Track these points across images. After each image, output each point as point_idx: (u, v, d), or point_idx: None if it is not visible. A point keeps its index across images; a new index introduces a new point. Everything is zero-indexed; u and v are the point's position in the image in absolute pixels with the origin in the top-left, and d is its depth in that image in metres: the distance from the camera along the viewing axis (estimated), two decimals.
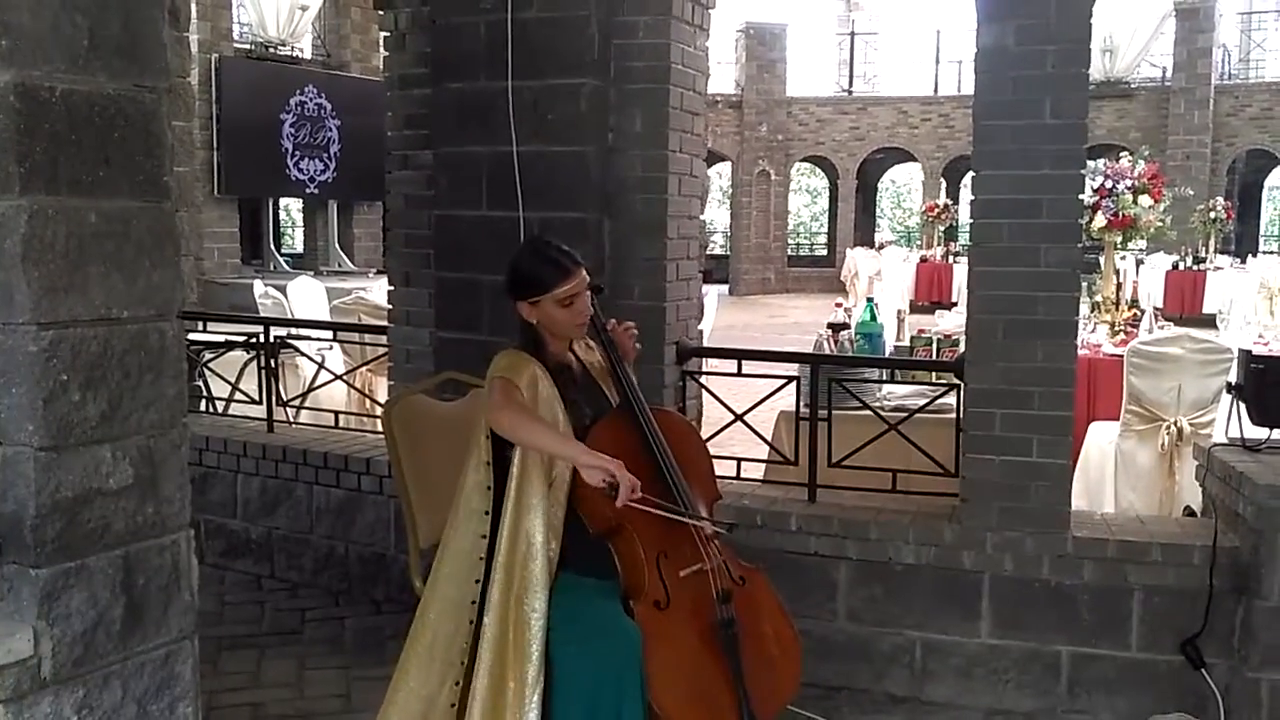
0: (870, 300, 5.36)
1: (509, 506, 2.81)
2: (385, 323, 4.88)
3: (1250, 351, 4.13)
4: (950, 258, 19.18)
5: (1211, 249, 18.53)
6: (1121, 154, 7.11)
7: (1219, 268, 16.97)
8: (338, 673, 3.97)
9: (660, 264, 4.12)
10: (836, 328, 4.76)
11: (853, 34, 26.07)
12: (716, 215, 30.12)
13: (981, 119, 3.69)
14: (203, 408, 5.60)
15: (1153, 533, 3.79)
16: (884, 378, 4.63)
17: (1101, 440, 5.74)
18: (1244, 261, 18.11)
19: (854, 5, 26.50)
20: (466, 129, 4.15)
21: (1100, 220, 6.69)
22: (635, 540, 2.80)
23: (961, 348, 4.48)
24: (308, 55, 16.89)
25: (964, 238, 23.49)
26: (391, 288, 4.69)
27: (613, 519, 2.80)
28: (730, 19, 22.66)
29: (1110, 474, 5.66)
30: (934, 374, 4.73)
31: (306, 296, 8.41)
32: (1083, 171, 3.66)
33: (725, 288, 23.07)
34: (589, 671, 2.70)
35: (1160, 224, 6.90)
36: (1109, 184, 6.73)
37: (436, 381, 3.66)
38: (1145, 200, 6.73)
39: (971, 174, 3.75)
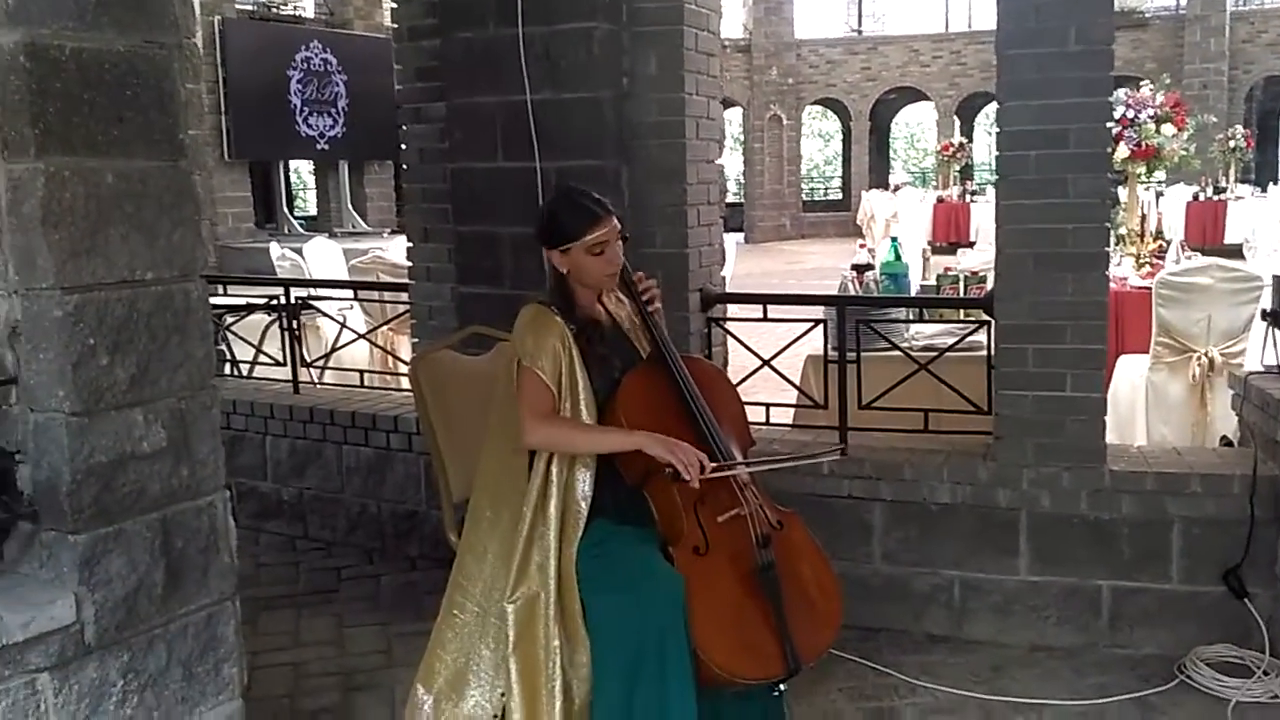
0: (894, 239, 5.30)
1: (540, 468, 2.80)
2: (405, 280, 4.84)
3: None
4: (967, 197, 19.00)
5: (1232, 178, 18.31)
6: (1142, 83, 6.98)
7: (1240, 197, 16.76)
8: (377, 629, 3.98)
9: (681, 210, 4.06)
10: (861, 269, 4.69)
11: None
12: (729, 162, 29.90)
13: (1004, 48, 3.61)
14: (227, 371, 5.59)
15: (1190, 464, 3.75)
16: (912, 318, 4.58)
17: (1131, 374, 5.69)
18: (1264, 190, 17.89)
19: None
20: (478, 79, 4.08)
21: (1123, 151, 6.59)
22: (671, 487, 2.78)
23: (989, 284, 4.43)
24: (310, 15, 16.76)
25: (980, 176, 23.29)
26: (410, 244, 4.65)
27: (649, 465, 2.78)
28: None
29: (1141, 408, 5.61)
30: (962, 312, 4.67)
31: (323, 257, 8.38)
32: (1109, 99, 3.58)
33: (740, 235, 22.97)
34: (632, 619, 2.68)
35: (1184, 153, 6.80)
36: (1131, 114, 6.62)
37: (462, 336, 3.63)
38: (1168, 129, 6.64)
39: (995, 105, 3.67)
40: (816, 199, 29.13)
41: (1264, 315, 3.95)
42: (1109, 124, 3.60)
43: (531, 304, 2.90)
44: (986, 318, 3.95)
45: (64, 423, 2.13)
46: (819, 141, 35.77)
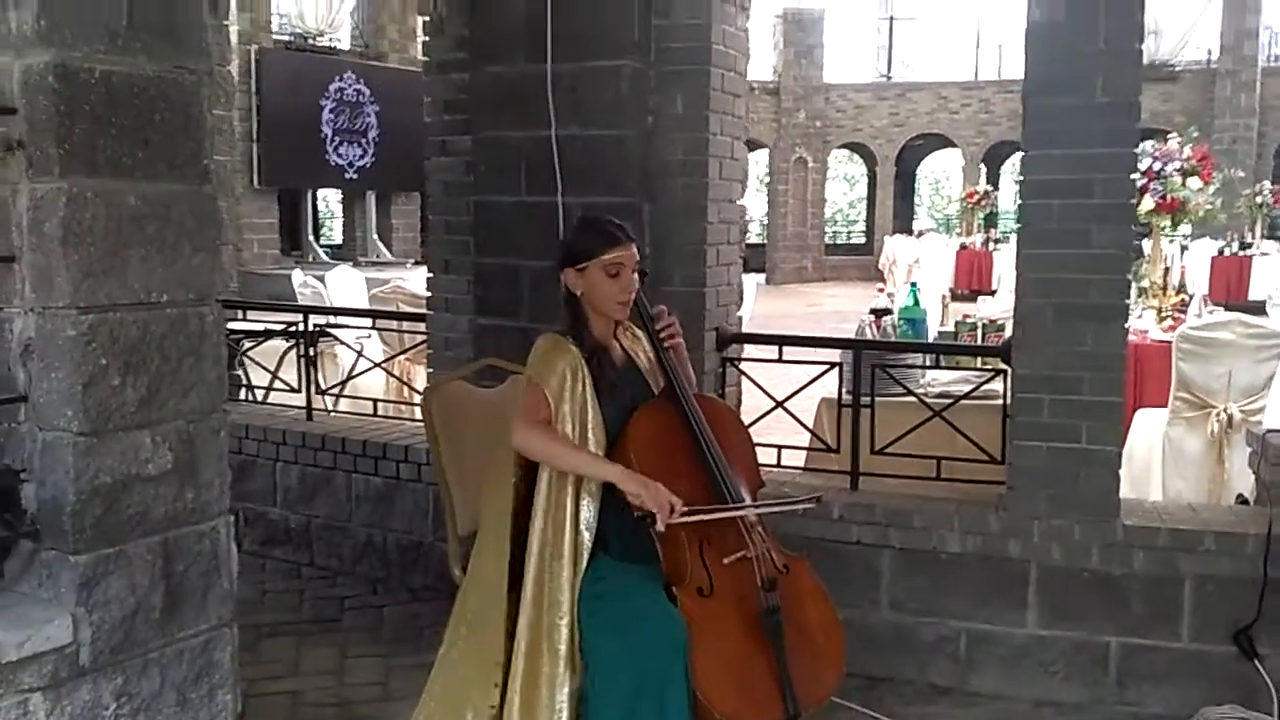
0: (913, 285, 5.29)
1: (543, 490, 2.79)
2: (424, 311, 4.86)
3: None
4: (990, 245, 18.95)
5: (1258, 234, 18.22)
6: (1170, 135, 6.97)
7: (1265, 253, 16.66)
8: (376, 660, 3.96)
9: (700, 249, 4.07)
10: (879, 313, 4.69)
11: (891, 19, 25.85)
12: (753, 203, 29.95)
13: (1031, 96, 3.61)
14: (242, 396, 5.61)
15: (1205, 520, 3.70)
16: (928, 363, 4.56)
17: (1149, 428, 5.64)
18: None
19: None
20: (505, 113, 4.12)
21: (1148, 203, 6.57)
22: (678, 527, 2.76)
23: (1008, 332, 4.40)
24: (345, 46, 16.96)
25: (1004, 224, 23.25)
26: (431, 275, 4.67)
27: None
28: (768, 4, 22.51)
29: (1158, 462, 5.56)
30: (980, 360, 4.65)
31: (345, 286, 8.42)
32: (1135, 150, 3.57)
33: (762, 277, 22.98)
34: (631, 659, 2.66)
35: (1210, 207, 6.77)
36: (1157, 166, 6.60)
37: (476, 368, 3.63)
38: (1194, 183, 6.61)
39: (1020, 154, 3.67)
40: (839, 242, 29.15)
41: None
42: (1134, 176, 3.57)
43: (549, 334, 2.91)
44: (1004, 366, 3.93)
45: (71, 442, 2.14)
46: (844, 185, 35.78)
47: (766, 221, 25.56)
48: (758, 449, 3.15)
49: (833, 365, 4.17)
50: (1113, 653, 3.69)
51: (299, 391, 5.21)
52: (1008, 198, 26.03)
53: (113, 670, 2.24)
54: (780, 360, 4.24)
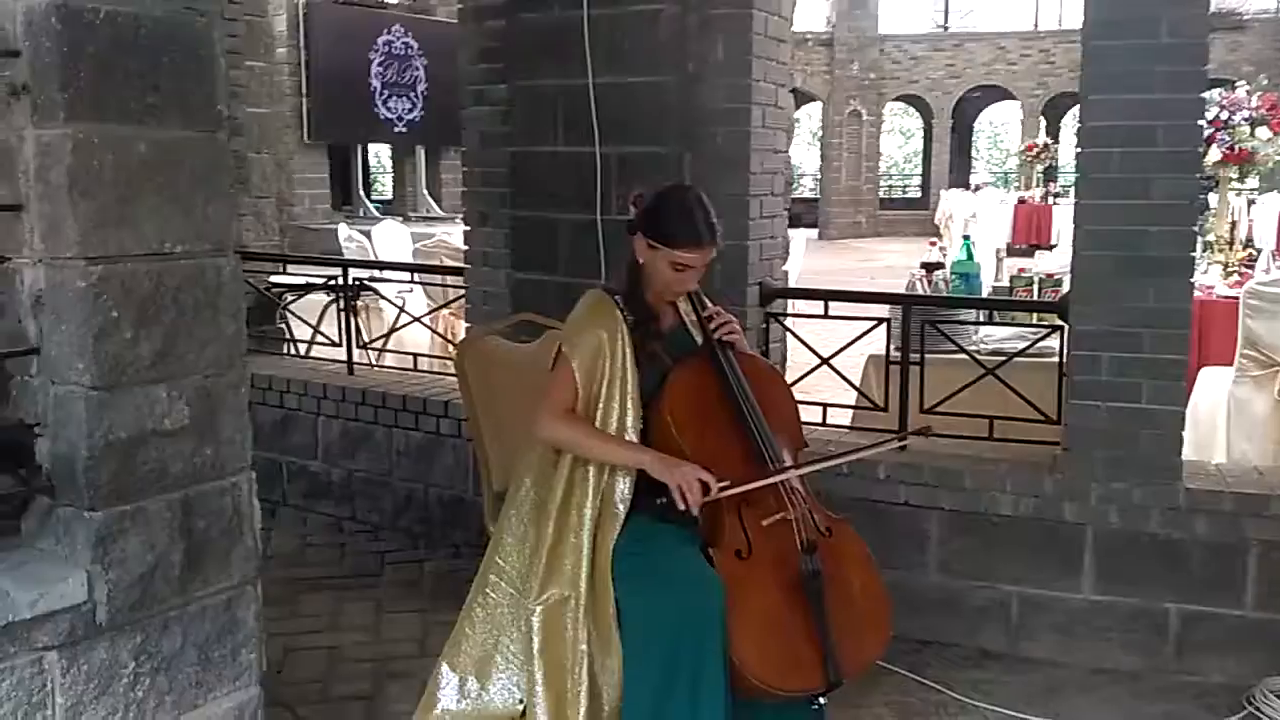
0: (967, 238, 5.11)
1: (567, 461, 2.73)
2: (463, 265, 4.78)
3: None
4: (1050, 199, 18.47)
5: None
6: (1238, 84, 6.68)
7: None
8: (415, 616, 3.92)
9: (743, 200, 3.93)
10: (931, 267, 4.53)
11: None
12: (806, 157, 29.57)
13: (1091, 39, 3.43)
14: (285, 350, 5.59)
15: (1272, 484, 3.54)
16: (981, 320, 4.40)
17: (1213, 387, 5.43)
18: None
19: None
20: (541, 61, 4.00)
21: (1215, 154, 6.30)
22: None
23: (1065, 287, 4.23)
24: (393, 0, 16.84)
25: (1064, 179, 22.71)
26: (468, 228, 4.59)
27: (691, 462, 2.67)
28: None
29: (1222, 423, 5.36)
30: (1035, 316, 4.48)
31: (391, 240, 8.38)
32: (1202, 96, 3.38)
33: (814, 232, 22.71)
34: (668, 621, 2.58)
35: (1279, 158, 6.48)
36: (1225, 115, 6.32)
37: (512, 323, 3.55)
38: (1263, 133, 6.32)
39: (1079, 100, 3.49)
40: (895, 196, 28.68)
41: None
42: (1200, 123, 3.38)
43: (596, 291, 2.82)
44: (1060, 323, 3.77)
45: (83, 396, 2.07)
46: (899, 139, 35.25)
47: (820, 176, 25.20)
48: (802, 408, 3.05)
49: (881, 321, 4.03)
50: (1171, 620, 3.56)
51: (340, 345, 5.16)
52: (1068, 151, 25.43)
53: (131, 629, 2.18)
54: (826, 316, 4.10)
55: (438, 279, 5.77)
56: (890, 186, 29.65)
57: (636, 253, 2.75)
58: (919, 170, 28.86)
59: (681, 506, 2.57)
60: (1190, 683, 3.51)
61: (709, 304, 2.84)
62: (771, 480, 2.68)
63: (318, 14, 14.63)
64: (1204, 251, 6.40)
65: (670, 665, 2.56)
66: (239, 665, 2.41)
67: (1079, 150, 3.50)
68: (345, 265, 5.26)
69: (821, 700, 2.65)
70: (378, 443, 4.81)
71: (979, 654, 3.72)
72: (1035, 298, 4.77)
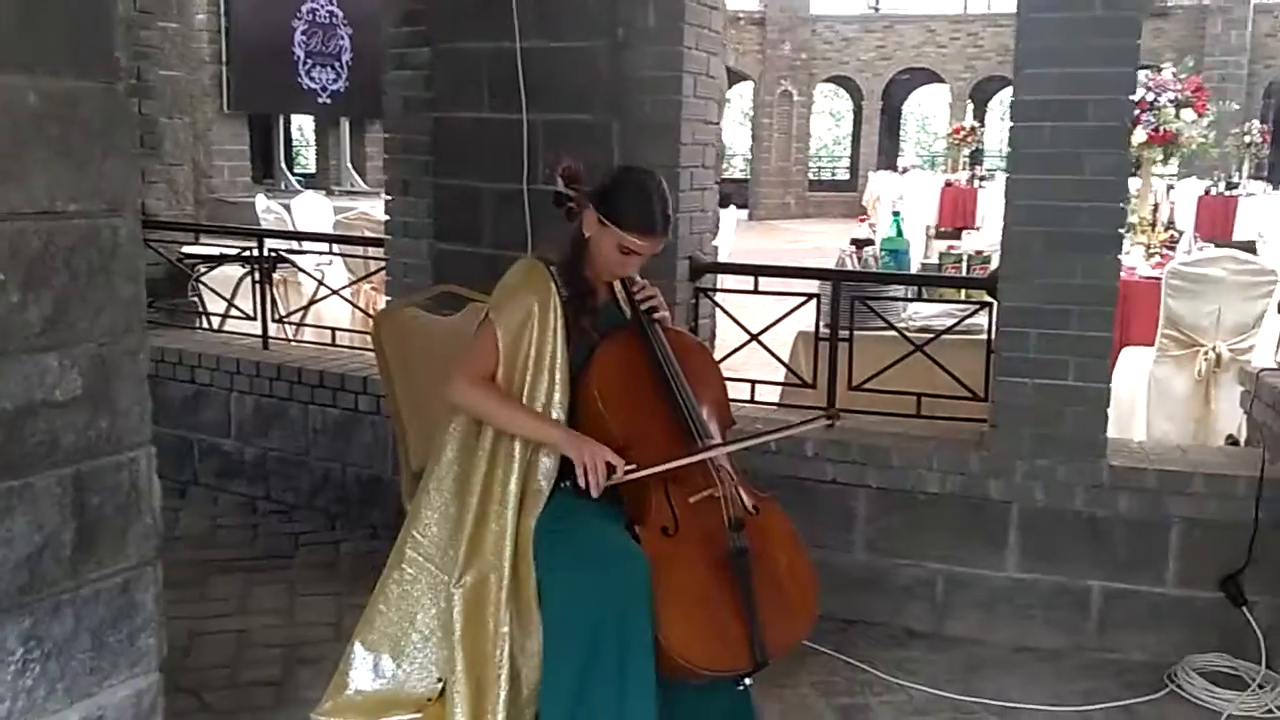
0: (897, 214, 5.09)
1: (489, 435, 2.63)
2: (384, 236, 4.63)
3: None
4: (976, 182, 18.68)
5: (1245, 174, 18.02)
6: (1164, 66, 6.75)
7: (1251, 194, 16.46)
8: (329, 599, 3.80)
9: (673, 171, 3.83)
10: (860, 243, 4.50)
11: None
12: (736, 138, 29.55)
13: (1027, 12, 3.39)
14: (197, 324, 5.39)
15: (1194, 462, 3.56)
16: (910, 296, 4.37)
17: (1134, 367, 5.50)
18: (1277, 188, 17.59)
19: None
20: (467, 23, 3.88)
21: (1140, 135, 6.36)
22: (645, 464, 2.59)
23: (994, 265, 4.22)
24: None
25: (990, 162, 22.97)
26: (389, 197, 4.44)
27: (618, 440, 2.59)
28: None
29: (1142, 402, 5.43)
30: (964, 294, 4.46)
31: (311, 213, 8.17)
32: (1134, 70, 3.36)
33: (744, 213, 22.69)
34: (590, 600, 2.49)
35: (1203, 140, 6.57)
36: (1150, 97, 6.39)
37: (432, 294, 3.44)
38: (1188, 114, 6.40)
39: (1010, 88, 3.45)
40: (823, 179, 28.81)
41: None
42: (1131, 98, 3.37)
43: (531, 259, 2.73)
44: (989, 300, 3.75)
45: None
46: (829, 120, 35.38)
47: (750, 156, 25.21)
48: (730, 385, 2.98)
49: (811, 297, 3.98)
50: (1094, 597, 3.57)
51: (255, 319, 4.99)
52: (994, 136, 25.75)
53: (18, 613, 2.04)
54: (756, 291, 4.04)
55: (357, 250, 5.61)
56: (819, 168, 29.77)
57: (584, 226, 2.65)
58: (848, 153, 28.99)
59: (581, 484, 2.50)
60: (1112, 660, 3.52)
61: (636, 278, 2.75)
62: (684, 462, 2.60)
63: None
64: (1127, 232, 6.46)
65: (593, 646, 2.48)
66: (137, 651, 2.28)
67: (1011, 125, 3.47)
68: (261, 236, 5.07)
69: (747, 681, 2.59)
70: (293, 420, 4.66)
71: (904, 633, 3.70)
72: (964, 275, 4.75)
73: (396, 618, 2.79)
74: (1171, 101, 6.42)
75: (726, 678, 2.57)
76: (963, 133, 20.30)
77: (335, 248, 5.52)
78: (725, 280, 4.26)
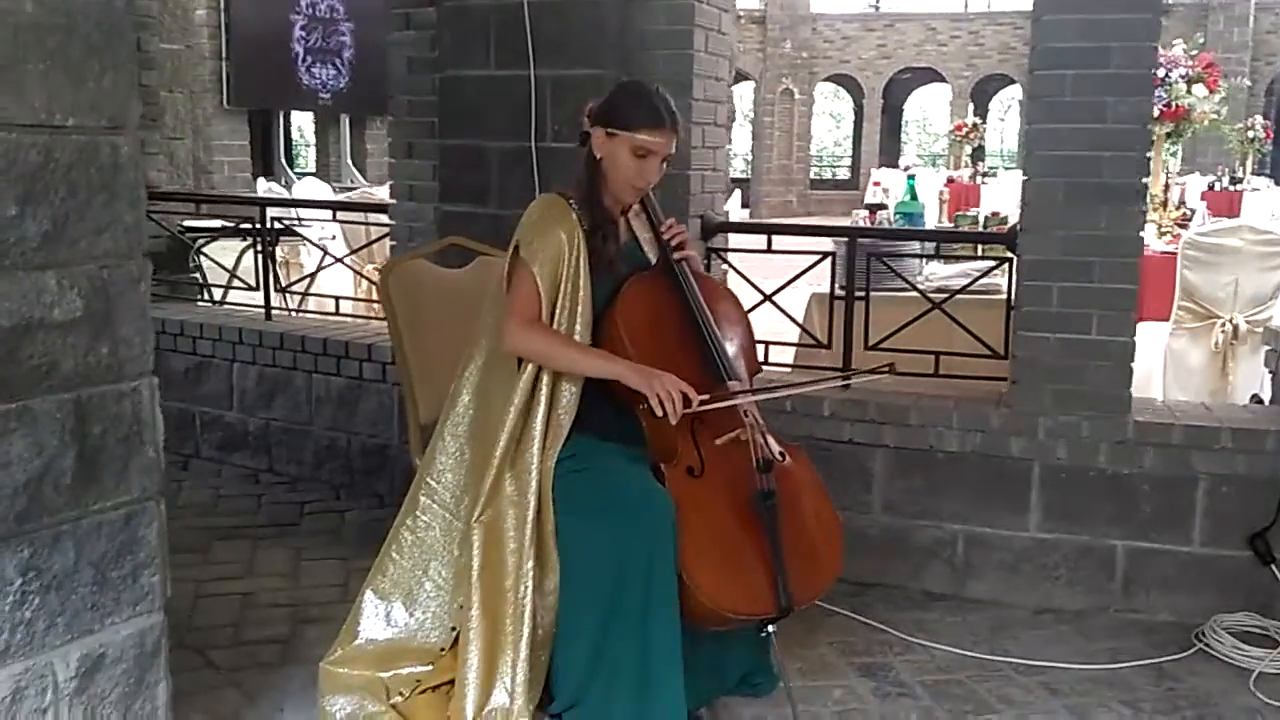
0: (911, 178, 5.02)
1: (528, 371, 2.55)
2: (387, 201, 4.55)
3: None
4: (978, 178, 18.61)
5: (1249, 169, 17.94)
6: (1175, 42, 6.67)
7: (1256, 189, 16.39)
8: (336, 563, 3.71)
9: (685, 128, 3.76)
10: (874, 208, 4.42)
11: None
12: (738, 137, 29.49)
13: None
14: (200, 297, 5.32)
15: (1221, 418, 3.47)
16: (928, 253, 4.28)
17: (1149, 341, 5.40)
18: None
19: None
20: None
21: (1152, 110, 6.27)
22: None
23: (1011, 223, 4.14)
24: None
25: (991, 161, 22.93)
26: (393, 160, 4.36)
27: None
28: None
29: (1158, 376, 5.35)
30: (981, 252, 4.38)
31: (312, 195, 8.08)
32: (1157, 17, 3.28)
33: (746, 212, 22.65)
34: (614, 545, 2.42)
35: (1215, 116, 6.48)
36: (1161, 73, 6.29)
37: (439, 247, 3.37)
38: (1200, 90, 6.31)
39: (1032, 19, 3.37)
40: (825, 178, 28.76)
41: None
42: (1154, 45, 3.29)
43: (549, 194, 2.66)
44: (1009, 255, 3.67)
45: None
46: (830, 122, 35.36)
47: (751, 156, 25.16)
48: None
49: (825, 255, 3.90)
50: (1119, 557, 3.48)
51: (257, 290, 4.91)
52: (995, 135, 25.73)
53: (17, 541, 1.97)
54: (769, 251, 3.96)
55: (360, 218, 5.52)
56: (821, 168, 29.73)
57: (594, 148, 2.59)
58: (849, 154, 28.96)
59: (660, 414, 2.40)
60: (1138, 620, 3.44)
61: (662, 215, 2.69)
62: (747, 399, 2.54)
63: None
64: None
65: (617, 590, 2.41)
66: (139, 589, 2.20)
67: (1030, 72, 3.39)
68: (263, 205, 4.98)
69: (771, 628, 2.51)
70: (297, 389, 4.58)
71: (924, 596, 3.61)
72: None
73: (409, 565, 2.73)
74: (1183, 78, 6.33)
75: (751, 622, 2.50)
76: (965, 129, 20.23)
77: (338, 217, 5.42)
78: (738, 240, 4.18)
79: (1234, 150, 18.01)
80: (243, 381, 4.71)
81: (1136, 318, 3.45)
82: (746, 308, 3.87)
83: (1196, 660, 3.20)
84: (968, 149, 20.58)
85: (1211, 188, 16.18)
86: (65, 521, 2.05)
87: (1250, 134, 18.05)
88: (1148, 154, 3.38)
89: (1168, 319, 5.35)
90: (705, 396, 2.46)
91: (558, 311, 2.53)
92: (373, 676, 2.67)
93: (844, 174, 28.45)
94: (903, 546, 3.64)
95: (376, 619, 2.68)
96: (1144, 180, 3.35)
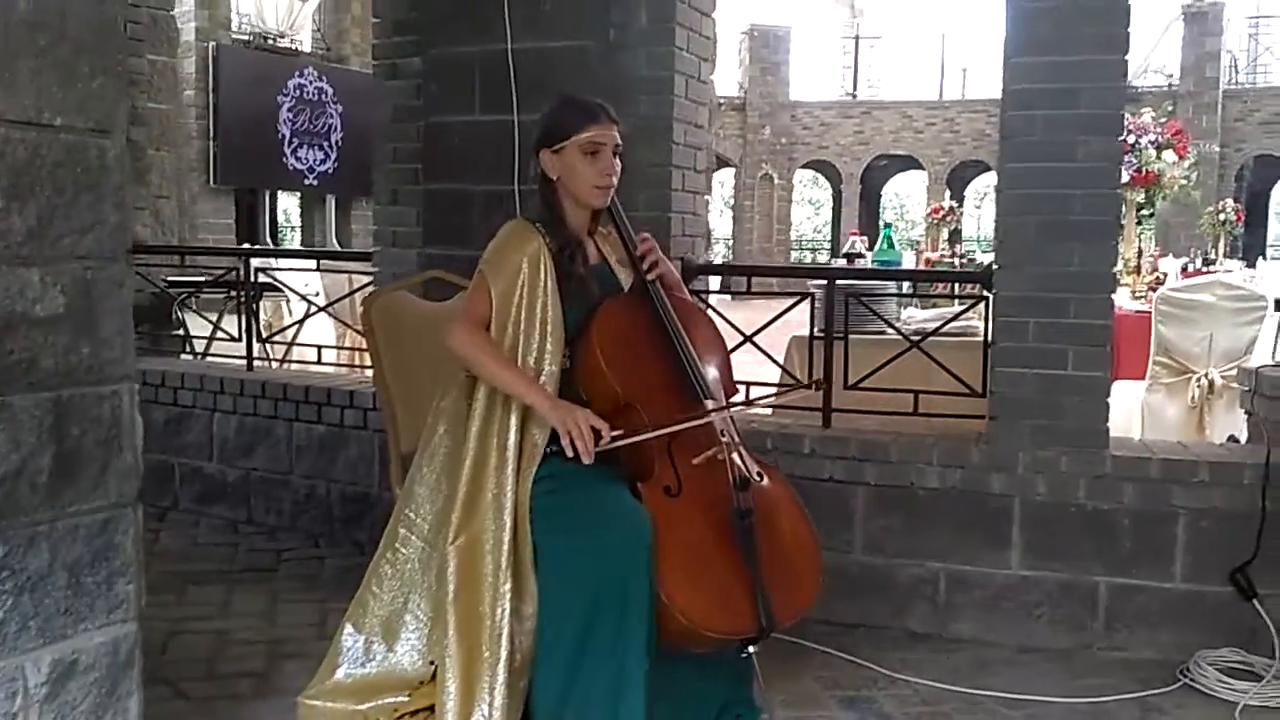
0: (888, 225, 5.09)
1: (482, 396, 2.56)
2: (372, 249, 4.58)
3: None
4: (956, 261, 18.84)
5: (1221, 251, 18.23)
6: (1144, 110, 6.84)
7: (1229, 270, 16.63)
8: (313, 605, 3.66)
9: (665, 170, 3.84)
10: (852, 257, 4.47)
11: (857, 38, 25.91)
12: (719, 223, 29.87)
13: (1016, 2, 3.42)
14: (183, 349, 5.32)
15: (1197, 454, 3.49)
16: (904, 297, 4.34)
17: (1127, 397, 5.46)
18: (1253, 265, 17.81)
19: (858, 11, 26.36)
20: (458, 27, 3.89)
21: (1122, 176, 6.41)
22: (644, 423, 2.52)
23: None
24: (307, 48, 16.66)
25: (968, 246, 23.23)
26: (377, 206, 4.41)
27: (619, 396, 2.54)
28: (734, 21, 22.49)
29: (1136, 430, 5.38)
30: (956, 296, 4.44)
31: (295, 271, 8.13)
32: (1125, 58, 3.38)
33: (728, 296, 22.82)
34: (590, 564, 2.40)
35: (1185, 182, 6.63)
36: (1131, 139, 6.45)
37: (421, 279, 3.40)
38: (1169, 156, 6.47)
39: (1003, 64, 3.46)
40: (805, 261, 29.02)
41: (1277, 305, 3.72)
42: (1123, 85, 3.39)
43: (518, 219, 2.70)
44: (984, 294, 3.72)
45: None
46: (809, 209, 35.83)
47: (732, 240, 25.44)
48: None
49: (805, 296, 3.94)
50: (1101, 594, 3.47)
51: (240, 341, 4.91)
52: (971, 222, 26.08)
53: None
54: (749, 293, 4.00)
55: (345, 280, 5.56)
56: (800, 252, 30.05)
57: (547, 171, 2.63)
58: (828, 239, 29.30)
59: (570, 455, 2.42)
60: (1121, 658, 3.41)
61: (634, 233, 2.72)
62: (678, 428, 2.52)
63: (227, 56, 14.37)
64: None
65: (592, 615, 2.38)
66: (114, 596, 2.17)
67: (1003, 113, 3.47)
68: (246, 256, 5.01)
69: (751, 649, 2.48)
70: (277, 439, 4.56)
71: (907, 635, 3.59)
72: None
73: (389, 599, 2.70)
74: (1152, 144, 6.49)
75: (730, 642, 2.47)
76: (941, 211, 20.51)
77: (321, 266, 5.45)
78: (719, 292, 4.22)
79: (1206, 233, 18.30)
80: (223, 431, 4.69)
81: (1113, 354, 3.49)
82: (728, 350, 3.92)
83: (1181, 695, 3.18)
84: (945, 232, 20.88)
85: (1185, 269, 16.39)
86: (41, 522, 2.03)
87: (1221, 216, 18.38)
88: (1118, 190, 3.45)
89: (1144, 378, 5.41)
90: (618, 432, 2.46)
91: (524, 332, 2.55)
92: (352, 710, 2.63)
93: (823, 257, 28.73)
94: (885, 586, 3.62)
95: (356, 653, 2.65)
96: (1115, 218, 3.42)
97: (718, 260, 25.52)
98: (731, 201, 26.24)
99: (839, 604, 3.53)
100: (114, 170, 2.13)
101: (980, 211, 30.87)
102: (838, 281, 3.95)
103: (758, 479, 2.62)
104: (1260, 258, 19.58)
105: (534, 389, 2.51)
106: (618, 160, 2.63)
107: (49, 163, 2.01)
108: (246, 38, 15.70)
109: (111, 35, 2.12)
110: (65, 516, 2.07)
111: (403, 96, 4.23)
